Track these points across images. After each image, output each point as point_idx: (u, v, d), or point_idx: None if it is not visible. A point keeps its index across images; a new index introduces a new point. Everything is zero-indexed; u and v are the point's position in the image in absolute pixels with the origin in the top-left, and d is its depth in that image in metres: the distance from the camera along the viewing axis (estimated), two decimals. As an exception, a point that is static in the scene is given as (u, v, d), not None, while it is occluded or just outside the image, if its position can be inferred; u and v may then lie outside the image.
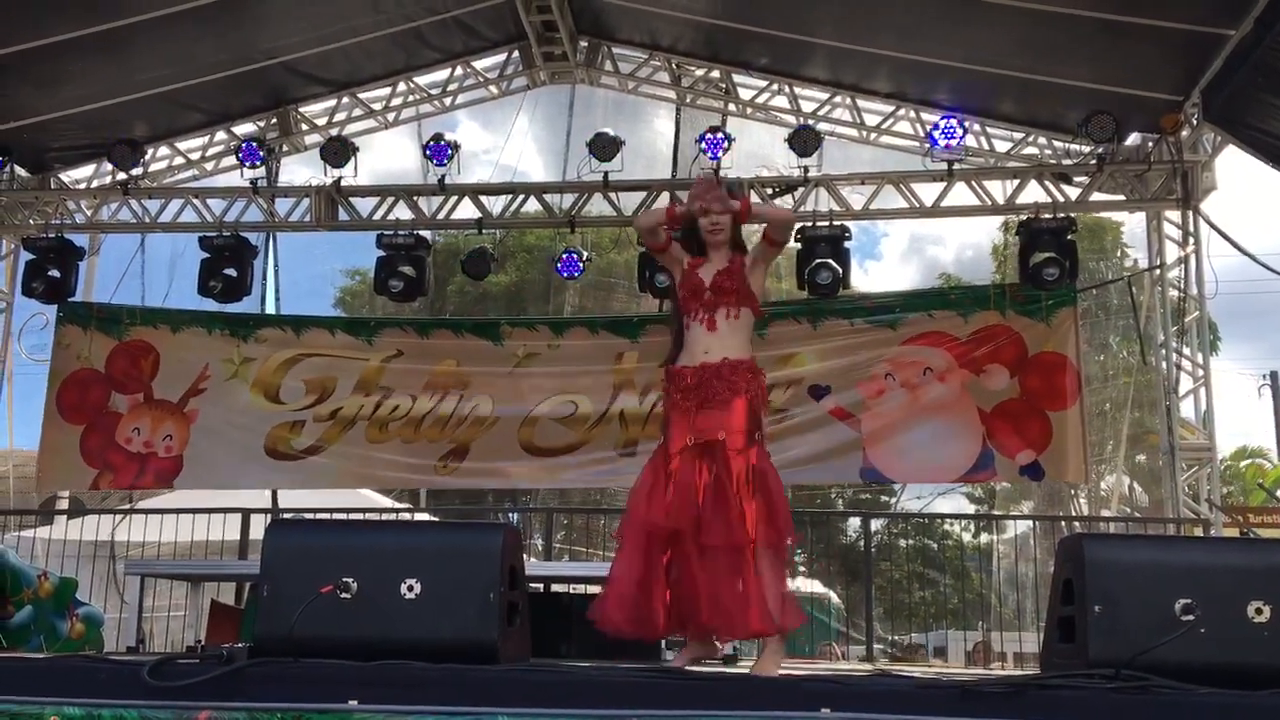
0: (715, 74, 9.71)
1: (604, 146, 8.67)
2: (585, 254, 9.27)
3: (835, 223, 8.66)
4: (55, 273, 9.21)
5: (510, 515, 13.81)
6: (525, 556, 3.81)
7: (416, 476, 9.85)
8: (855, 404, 8.81)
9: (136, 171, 9.30)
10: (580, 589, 7.09)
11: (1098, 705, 2.32)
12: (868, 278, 28.31)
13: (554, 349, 9.13)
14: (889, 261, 34.16)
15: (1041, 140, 9.16)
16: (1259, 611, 2.66)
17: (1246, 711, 2.31)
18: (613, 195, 9.06)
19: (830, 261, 8.47)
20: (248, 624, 7.09)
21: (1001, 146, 9.31)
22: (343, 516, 7.66)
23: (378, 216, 9.37)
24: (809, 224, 8.65)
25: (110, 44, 8.02)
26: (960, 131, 8.41)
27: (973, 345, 8.73)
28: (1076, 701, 2.34)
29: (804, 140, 8.56)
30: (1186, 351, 8.76)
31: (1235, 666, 2.58)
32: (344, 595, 2.82)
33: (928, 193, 8.89)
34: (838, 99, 9.46)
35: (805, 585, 14.33)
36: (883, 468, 8.92)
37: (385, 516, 10.24)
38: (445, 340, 9.42)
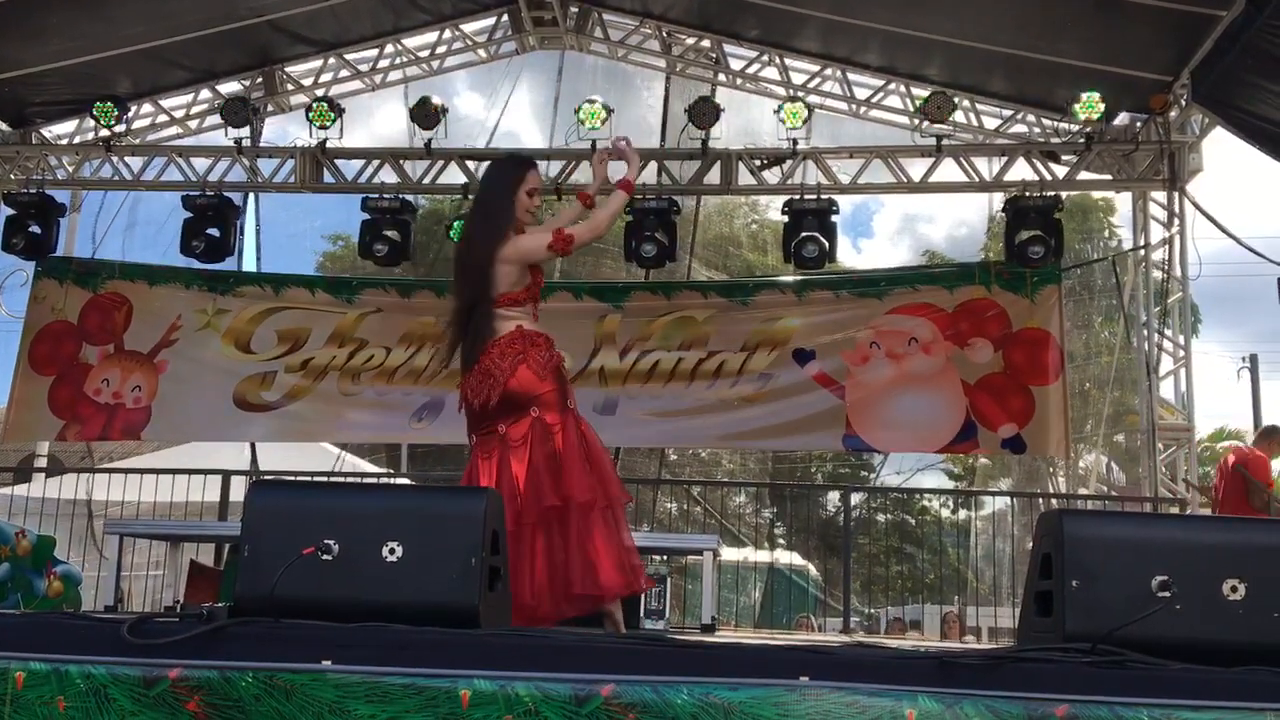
0: (706, 43, 9.65)
1: (704, 114, 8.55)
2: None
3: (823, 196, 8.65)
4: (36, 228, 9.13)
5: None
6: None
7: (390, 432, 9.80)
8: (839, 370, 8.85)
9: (119, 128, 9.20)
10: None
11: (1074, 678, 2.34)
12: (861, 256, 28.26)
13: (535, 311, 9.12)
14: (880, 240, 34.16)
15: (1030, 118, 9.16)
16: (1234, 589, 2.68)
17: (1219, 686, 2.33)
18: (600, 163, 9.01)
19: (817, 235, 8.47)
20: (227, 584, 7.10)
21: (990, 123, 9.30)
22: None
23: (363, 179, 9.32)
24: (796, 197, 8.65)
25: (94, -3, 7.92)
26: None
27: (958, 318, 8.78)
28: (1053, 674, 2.36)
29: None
30: (1168, 332, 8.82)
31: (1209, 642, 2.61)
32: (325, 557, 2.81)
33: (916, 168, 8.90)
34: (828, 71, 9.43)
35: (784, 557, 14.46)
36: (866, 436, 8.96)
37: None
38: (427, 300, 9.38)
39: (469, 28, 9.81)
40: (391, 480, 11.59)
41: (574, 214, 4.68)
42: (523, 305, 4.28)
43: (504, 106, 10.48)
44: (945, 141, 8.66)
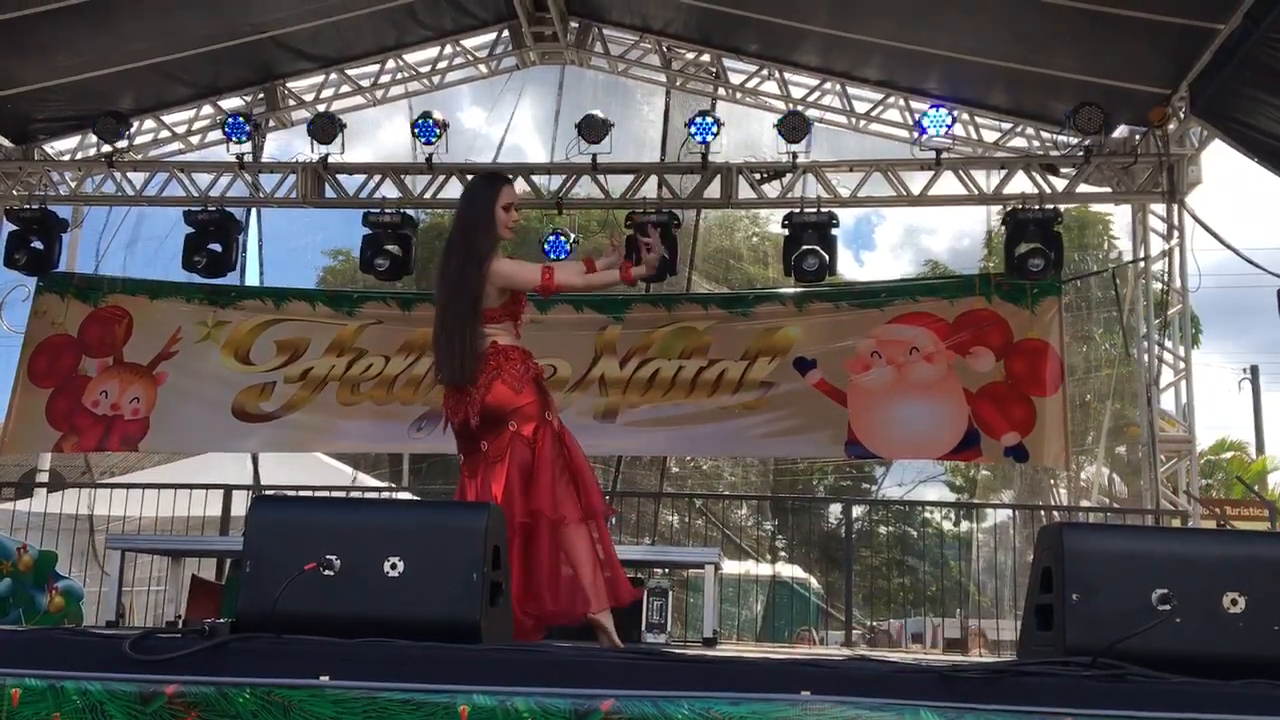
0: (705, 58, 9.68)
1: (593, 128, 8.57)
2: (572, 235, 9.24)
3: (823, 209, 8.67)
4: (38, 244, 9.15)
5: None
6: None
7: (389, 442, 9.77)
8: (840, 378, 8.85)
9: (121, 144, 9.22)
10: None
11: (1075, 692, 2.34)
12: (863, 269, 28.24)
13: (536, 324, 9.13)
14: (882, 251, 34.17)
15: (1029, 131, 9.17)
16: (1234, 602, 2.69)
17: (1219, 699, 2.33)
18: (601, 177, 9.04)
19: (817, 248, 8.47)
20: (229, 600, 7.10)
21: (990, 136, 9.31)
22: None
23: (365, 194, 9.33)
24: (796, 210, 8.67)
25: (97, 14, 7.93)
26: (950, 121, 8.39)
27: (958, 327, 8.79)
28: (1054, 688, 2.36)
29: (793, 126, 8.51)
30: (1168, 344, 8.81)
31: (1209, 656, 2.61)
32: (327, 572, 2.82)
33: (915, 181, 8.91)
34: (827, 85, 9.44)
35: (786, 570, 14.43)
36: (868, 443, 8.95)
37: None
38: (427, 312, 9.38)
39: (470, 43, 9.83)
40: (392, 494, 11.59)
41: (606, 261, 4.64)
42: (500, 322, 4.30)
43: (508, 121, 10.52)
44: (944, 155, 8.68)
